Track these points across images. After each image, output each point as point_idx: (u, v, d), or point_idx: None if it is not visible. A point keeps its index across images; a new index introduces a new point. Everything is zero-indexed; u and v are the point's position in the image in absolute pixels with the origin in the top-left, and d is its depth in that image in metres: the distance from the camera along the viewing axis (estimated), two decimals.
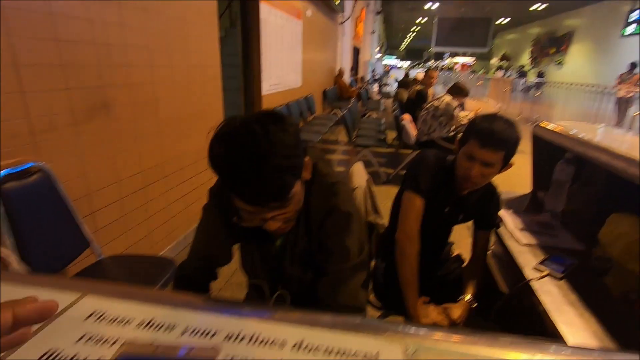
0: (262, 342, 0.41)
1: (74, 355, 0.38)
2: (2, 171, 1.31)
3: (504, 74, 18.26)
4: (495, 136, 1.14)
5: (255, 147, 0.61)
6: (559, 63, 17.15)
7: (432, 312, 1.22)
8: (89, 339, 0.40)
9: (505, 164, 1.20)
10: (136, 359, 0.32)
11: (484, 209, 1.37)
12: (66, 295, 0.45)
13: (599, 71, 13.40)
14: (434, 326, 0.65)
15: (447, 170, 1.30)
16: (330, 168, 0.90)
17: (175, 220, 2.46)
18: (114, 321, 0.43)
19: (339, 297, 0.79)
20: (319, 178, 0.83)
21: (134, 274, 1.64)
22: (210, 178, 2.83)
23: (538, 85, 11.89)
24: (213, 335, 0.42)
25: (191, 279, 0.90)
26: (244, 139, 0.61)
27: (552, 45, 17.84)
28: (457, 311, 1.23)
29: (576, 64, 15.67)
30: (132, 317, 0.43)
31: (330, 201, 0.82)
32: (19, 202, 1.35)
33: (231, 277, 2.35)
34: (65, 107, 1.56)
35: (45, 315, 0.31)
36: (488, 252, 1.97)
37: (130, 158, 1.99)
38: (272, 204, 0.67)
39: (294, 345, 0.40)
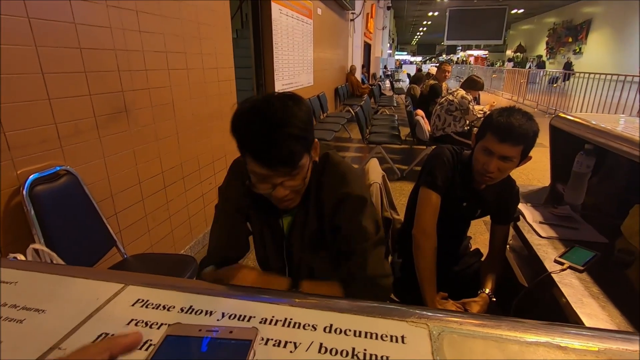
0: (294, 325, 0.44)
1: None
2: (32, 175, 1.38)
3: (519, 66, 17.79)
4: (514, 130, 1.12)
5: (271, 114, 0.69)
6: (577, 52, 16.67)
7: (451, 307, 1.23)
8: (137, 323, 0.43)
9: (524, 157, 1.19)
10: (182, 336, 0.35)
11: (502, 203, 1.35)
12: (110, 285, 0.49)
13: (620, 59, 12.93)
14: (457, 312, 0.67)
15: (464, 164, 1.30)
16: (341, 158, 0.95)
17: (194, 220, 2.52)
18: (158, 307, 0.46)
19: (367, 270, 0.85)
20: (331, 166, 0.89)
21: (158, 271, 1.69)
22: None
23: (566, 76, 10.99)
24: (249, 319, 0.45)
25: (214, 264, 0.94)
26: (263, 107, 0.71)
27: (569, 35, 17.35)
28: (476, 306, 1.23)
29: (596, 53, 15.19)
30: (174, 304, 0.47)
31: (343, 188, 0.86)
32: (48, 204, 1.41)
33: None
34: (89, 113, 1.63)
35: (134, 347, 0.33)
36: (506, 246, 1.96)
37: (151, 159, 2.05)
38: (281, 168, 0.72)
39: (325, 329, 0.43)
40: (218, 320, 0.45)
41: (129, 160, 1.89)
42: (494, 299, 1.28)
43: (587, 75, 7.91)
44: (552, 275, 1.16)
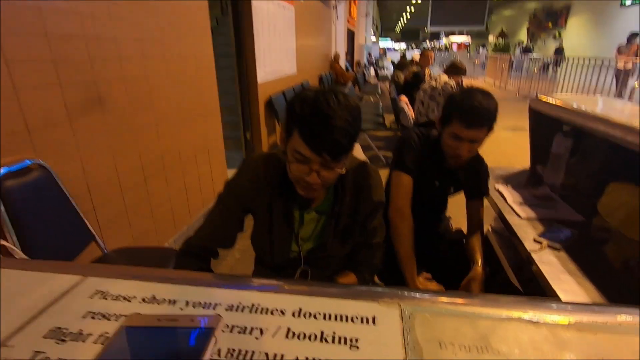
0: (262, 311, 0.42)
1: (80, 331, 0.39)
2: (1, 169, 1.32)
3: (502, 51, 17.90)
4: (479, 115, 1.16)
5: (335, 103, 0.74)
6: (557, 37, 16.87)
7: (433, 288, 1.24)
8: (93, 316, 0.41)
9: (489, 132, 1.23)
10: (139, 327, 0.33)
11: (474, 179, 1.39)
12: (68, 278, 0.46)
13: (598, 44, 13.13)
14: (430, 291, 0.68)
15: (432, 145, 1.33)
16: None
17: (178, 212, 2.48)
18: (117, 299, 0.44)
19: (377, 259, 1.08)
20: (372, 172, 0.98)
21: (139, 265, 1.66)
22: (209, 170, 2.84)
23: (557, 62, 10.27)
24: (214, 307, 0.43)
25: (194, 254, 0.98)
26: (328, 95, 0.75)
27: (549, 20, 17.52)
28: (475, 284, 1.23)
29: (575, 38, 15.39)
30: (135, 294, 0.45)
31: (380, 196, 0.99)
32: (19, 199, 1.36)
33: (235, 266, 2.38)
34: (59, 103, 1.56)
35: None
36: (489, 229, 1.99)
37: (129, 152, 1.99)
38: (326, 156, 0.75)
39: (293, 313, 0.42)
40: (181, 309, 0.43)
41: (106, 153, 1.83)
42: (488, 269, 1.30)
43: (567, 60, 8.03)
44: (531, 254, 1.18)
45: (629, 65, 7.52)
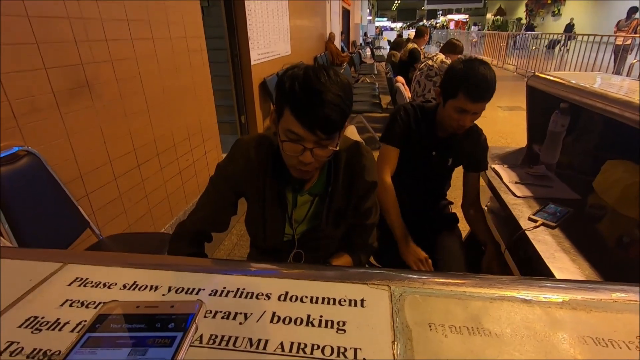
0: (247, 295, 0.41)
1: (56, 320, 0.38)
2: None
3: (500, 29, 17.56)
4: (485, 89, 1.17)
5: (325, 78, 0.73)
6: (556, 14, 16.58)
7: (420, 255, 1.26)
8: (71, 304, 0.40)
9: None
10: (116, 314, 0.32)
11: (472, 151, 1.40)
12: (47, 265, 0.45)
13: (598, 20, 12.91)
14: (421, 272, 0.67)
15: (428, 115, 1.35)
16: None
17: (173, 197, 2.47)
18: (97, 286, 0.43)
19: (370, 239, 1.08)
20: (366, 152, 0.97)
21: (134, 251, 1.65)
22: (204, 154, 2.82)
23: (568, 38, 9.22)
24: (197, 292, 0.42)
25: (187, 238, 0.97)
26: (317, 70, 0.74)
27: None
28: (493, 263, 1.28)
29: (574, 14, 15.13)
30: (115, 281, 0.43)
31: (374, 177, 0.97)
32: (9, 187, 1.33)
33: (233, 250, 2.38)
34: (46, 88, 1.52)
35: None
36: (484, 208, 1.98)
37: (121, 137, 1.96)
38: (319, 132, 0.74)
39: (279, 297, 0.40)
40: (164, 295, 0.42)
41: (97, 138, 1.80)
42: (499, 244, 1.35)
43: (563, 36, 7.89)
44: (526, 232, 1.18)
45: (628, 41, 7.41)
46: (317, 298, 0.40)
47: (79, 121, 1.68)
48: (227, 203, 0.96)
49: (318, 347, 0.33)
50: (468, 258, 1.36)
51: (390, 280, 0.41)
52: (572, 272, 1.00)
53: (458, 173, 1.50)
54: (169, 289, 0.42)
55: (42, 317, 0.38)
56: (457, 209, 1.59)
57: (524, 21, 19.32)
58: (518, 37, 11.21)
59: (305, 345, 0.33)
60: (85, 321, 0.36)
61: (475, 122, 1.38)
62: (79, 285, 0.42)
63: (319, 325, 0.36)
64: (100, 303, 0.39)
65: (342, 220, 0.99)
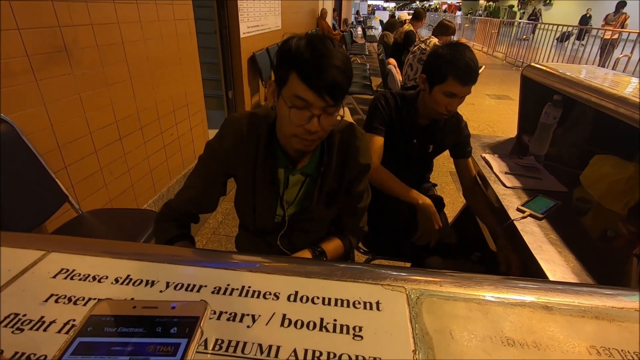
0: (253, 294, 0.38)
1: (41, 318, 0.34)
2: None
3: (492, 15, 17.43)
4: (473, 71, 1.17)
5: (331, 44, 0.74)
6: (547, 3, 16.58)
7: (430, 206, 1.27)
8: (57, 299, 0.36)
9: None
10: (111, 316, 0.29)
11: (455, 138, 1.41)
12: (28, 253, 0.40)
13: (576, 5, 12.86)
14: (436, 271, 0.64)
15: (408, 103, 1.34)
16: None
17: (156, 173, 2.38)
18: (86, 279, 0.38)
19: (361, 223, 1.05)
20: (360, 134, 0.94)
21: (115, 227, 1.60)
22: (189, 129, 2.72)
23: (581, 34, 8.57)
24: (199, 289, 0.38)
25: (174, 219, 0.94)
26: (323, 38, 0.74)
27: None
28: (514, 256, 1.22)
29: (565, 6, 15.15)
30: (106, 273, 0.39)
31: (368, 159, 0.95)
32: None
33: (217, 228, 2.35)
34: (19, 51, 1.40)
35: None
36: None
37: (102, 107, 1.85)
38: (326, 96, 0.73)
39: (289, 297, 0.38)
40: (161, 292, 0.38)
41: (76, 108, 1.70)
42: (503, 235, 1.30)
43: (554, 27, 7.89)
44: (515, 223, 1.19)
45: (615, 36, 7.50)
46: (329, 299, 0.37)
47: (56, 88, 1.57)
48: (217, 183, 0.93)
49: (334, 355, 0.31)
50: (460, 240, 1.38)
51: (406, 281, 0.39)
52: (559, 264, 1.02)
53: (442, 158, 1.52)
54: (167, 285, 0.38)
55: (24, 315, 0.33)
56: (441, 192, 1.60)
57: (515, 9, 19.26)
58: (522, 26, 10.42)
59: (321, 354, 0.31)
60: (74, 320, 0.32)
61: (465, 110, 1.37)
62: (65, 278, 0.38)
63: (334, 331, 0.34)
64: (89, 299, 0.35)
65: (333, 202, 0.97)
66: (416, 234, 1.30)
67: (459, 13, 21.48)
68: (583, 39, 8.31)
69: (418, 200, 1.26)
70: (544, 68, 1.67)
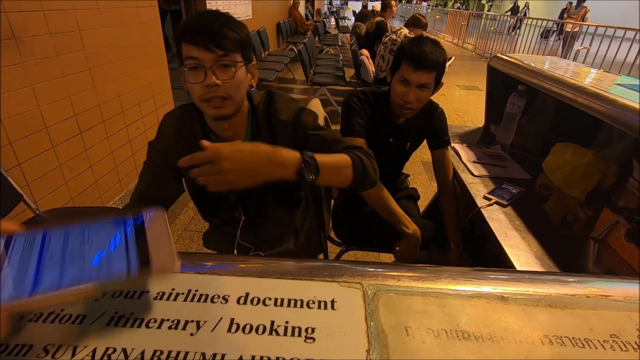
0: (200, 298, 0.36)
1: None
2: None
3: (464, 7, 17.68)
4: (427, 57, 1.15)
5: (216, 13, 0.77)
6: None
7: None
8: None
9: (437, 84, 1.24)
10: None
11: (430, 128, 1.40)
12: None
13: (549, 5, 13.36)
14: (395, 265, 0.63)
15: (382, 102, 1.32)
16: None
17: (122, 168, 2.28)
18: None
19: (365, 159, 0.85)
20: (276, 95, 0.93)
21: None
22: (157, 122, 2.61)
23: (561, 32, 8.29)
24: (139, 296, 0.36)
25: None
26: (209, 10, 0.79)
27: None
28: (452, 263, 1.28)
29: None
30: None
31: (295, 105, 0.93)
32: None
33: (189, 224, 2.29)
34: None
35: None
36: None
37: (58, 100, 1.74)
38: (211, 46, 0.73)
39: (238, 300, 0.36)
40: (97, 300, 0.35)
41: (28, 101, 1.59)
42: (460, 249, 1.34)
43: (535, 22, 8.06)
44: (481, 210, 1.22)
45: (576, 29, 7.80)
46: (282, 300, 0.35)
47: (5, 80, 1.46)
48: (165, 176, 0.92)
49: None
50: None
51: (363, 277, 0.37)
52: (522, 249, 1.05)
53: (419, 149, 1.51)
54: (103, 294, 0.35)
55: None
56: (414, 183, 1.61)
57: (483, 1, 19.66)
58: (500, 21, 10.12)
59: (269, 359, 0.29)
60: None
61: (437, 101, 1.37)
62: None
63: (285, 334, 0.32)
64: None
65: None
66: (394, 252, 1.28)
67: (424, 4, 21.68)
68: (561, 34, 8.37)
69: (408, 230, 1.23)
70: (509, 59, 1.71)
